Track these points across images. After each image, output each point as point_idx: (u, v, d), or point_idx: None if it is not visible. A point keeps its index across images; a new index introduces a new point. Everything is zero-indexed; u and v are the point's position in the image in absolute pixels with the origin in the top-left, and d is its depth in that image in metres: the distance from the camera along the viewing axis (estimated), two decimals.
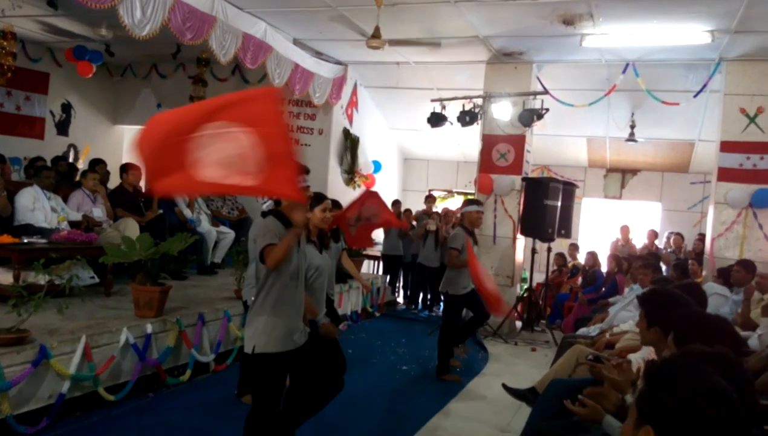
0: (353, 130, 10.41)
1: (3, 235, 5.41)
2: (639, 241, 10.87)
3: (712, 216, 7.94)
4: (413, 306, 10.09)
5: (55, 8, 7.32)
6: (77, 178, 7.87)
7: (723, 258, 7.58)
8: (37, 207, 6.18)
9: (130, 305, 5.19)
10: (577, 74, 8.86)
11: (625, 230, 10.85)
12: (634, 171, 11.96)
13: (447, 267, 6.29)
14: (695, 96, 8.21)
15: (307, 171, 3.30)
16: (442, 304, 7.30)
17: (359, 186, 10.68)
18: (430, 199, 10.46)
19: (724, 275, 6.55)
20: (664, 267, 8.32)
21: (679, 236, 10.44)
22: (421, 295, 10.23)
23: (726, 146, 7.80)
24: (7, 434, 3.76)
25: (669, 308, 2.84)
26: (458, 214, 7.10)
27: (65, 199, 6.70)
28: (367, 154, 10.94)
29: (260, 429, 3.14)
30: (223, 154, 2.64)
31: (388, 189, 11.87)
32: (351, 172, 10.41)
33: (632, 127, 9.70)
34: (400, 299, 10.51)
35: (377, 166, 11.19)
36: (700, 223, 10.88)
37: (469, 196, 9.94)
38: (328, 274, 4.11)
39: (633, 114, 9.62)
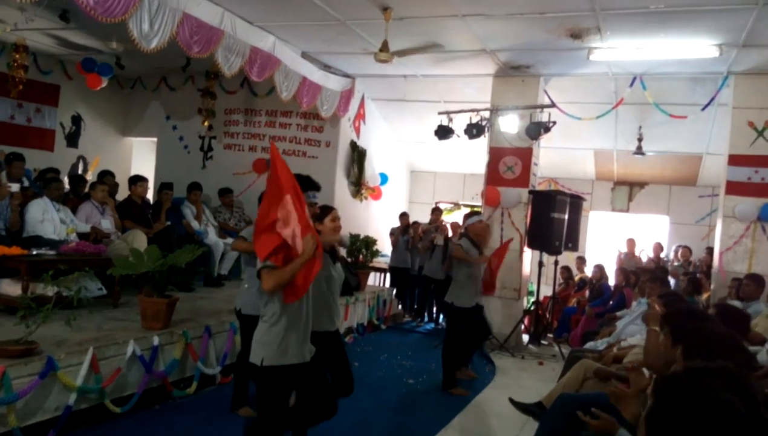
0: (360, 143, 10.44)
1: (12, 246, 5.45)
2: (646, 254, 10.83)
3: (721, 230, 7.90)
4: (419, 319, 10.07)
5: (67, 21, 7.41)
6: (86, 189, 7.93)
7: (732, 272, 7.54)
8: (46, 219, 6.22)
9: (137, 317, 5.20)
10: (585, 87, 8.87)
11: (631, 243, 10.82)
12: (641, 184, 11.92)
13: (453, 280, 6.28)
14: (703, 109, 8.20)
15: (318, 188, 3.34)
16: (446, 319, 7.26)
17: (366, 198, 10.71)
18: (436, 211, 10.46)
19: (738, 287, 6.54)
20: (672, 281, 8.29)
21: (687, 248, 10.39)
22: (427, 307, 10.21)
23: (734, 160, 7.78)
24: None
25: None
26: (461, 229, 7.08)
27: (74, 211, 6.75)
28: (374, 167, 10.97)
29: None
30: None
31: (395, 201, 11.89)
32: (358, 185, 10.43)
33: (640, 140, 9.68)
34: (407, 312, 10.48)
35: (384, 178, 11.21)
36: (709, 236, 10.82)
37: (475, 209, 9.93)
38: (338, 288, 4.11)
39: (640, 127, 9.60)
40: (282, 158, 3.28)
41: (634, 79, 8.16)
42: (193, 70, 9.80)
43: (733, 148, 7.81)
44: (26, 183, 7.14)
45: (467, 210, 10.50)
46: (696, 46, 6.96)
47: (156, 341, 4.85)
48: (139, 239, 6.58)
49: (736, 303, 6.18)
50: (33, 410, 3.88)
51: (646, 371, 3.83)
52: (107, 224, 6.90)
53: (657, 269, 8.18)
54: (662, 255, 10.74)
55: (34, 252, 5.54)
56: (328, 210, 3.88)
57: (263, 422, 3.13)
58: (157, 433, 4.41)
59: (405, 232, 10.17)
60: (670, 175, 11.42)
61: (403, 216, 10.53)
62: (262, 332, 3.14)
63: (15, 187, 5.96)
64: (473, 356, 6.79)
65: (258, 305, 3.33)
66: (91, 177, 9.27)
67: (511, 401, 5.44)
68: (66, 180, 8.30)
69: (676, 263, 10.33)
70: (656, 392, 1.66)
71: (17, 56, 8.50)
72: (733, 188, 7.77)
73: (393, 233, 10.28)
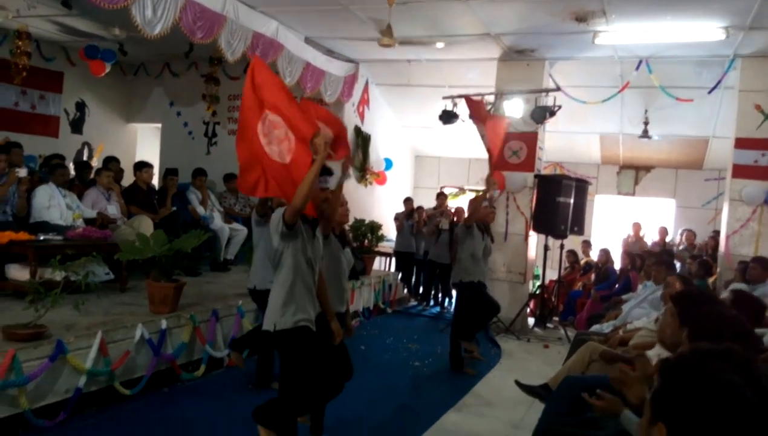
0: (364, 128, 10.41)
1: (20, 232, 5.48)
2: (651, 238, 10.82)
3: (727, 213, 7.88)
4: (425, 303, 10.10)
5: (69, 8, 7.37)
6: (92, 176, 7.95)
7: (738, 255, 7.52)
8: (52, 204, 6.24)
9: (144, 301, 5.24)
10: (590, 71, 8.81)
11: (636, 226, 10.82)
12: (647, 168, 11.88)
13: (456, 259, 6.31)
14: (709, 92, 8.15)
15: (330, 172, 3.40)
16: (454, 300, 7.30)
17: (371, 183, 10.70)
18: (441, 196, 10.45)
19: (744, 270, 6.54)
20: (678, 264, 8.28)
21: (691, 232, 10.36)
22: (432, 291, 10.25)
23: (741, 143, 7.74)
24: (26, 428, 3.82)
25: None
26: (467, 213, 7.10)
27: (80, 197, 6.77)
28: (378, 152, 10.95)
29: (287, 408, 3.16)
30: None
31: (399, 186, 11.88)
32: (362, 170, 10.42)
33: (646, 123, 9.63)
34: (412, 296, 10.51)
35: (389, 163, 11.20)
36: (715, 220, 10.79)
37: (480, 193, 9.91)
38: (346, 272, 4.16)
39: (646, 110, 9.55)
40: (270, 71, 3.28)
41: (640, 62, 8.10)
42: (196, 56, 9.76)
43: (739, 131, 7.77)
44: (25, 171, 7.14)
45: (472, 195, 10.49)
46: (702, 29, 6.90)
47: (164, 324, 4.88)
48: (146, 225, 6.60)
49: (742, 286, 6.18)
50: (43, 393, 3.93)
51: (651, 357, 3.85)
52: (113, 209, 6.91)
53: (663, 253, 8.16)
54: (668, 239, 10.72)
55: (42, 237, 5.56)
56: None
57: (291, 391, 3.16)
58: (166, 415, 4.45)
59: (409, 217, 10.18)
60: (677, 159, 11.37)
61: (407, 201, 10.53)
62: (273, 302, 3.24)
63: (23, 172, 5.96)
64: (479, 335, 6.81)
65: (272, 279, 3.40)
66: (96, 163, 9.29)
67: (517, 383, 5.46)
68: (71, 166, 8.32)
69: (681, 247, 10.31)
70: (662, 373, 1.66)
71: (20, 43, 8.46)
72: (740, 171, 7.73)
73: (397, 217, 10.30)
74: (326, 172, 3.43)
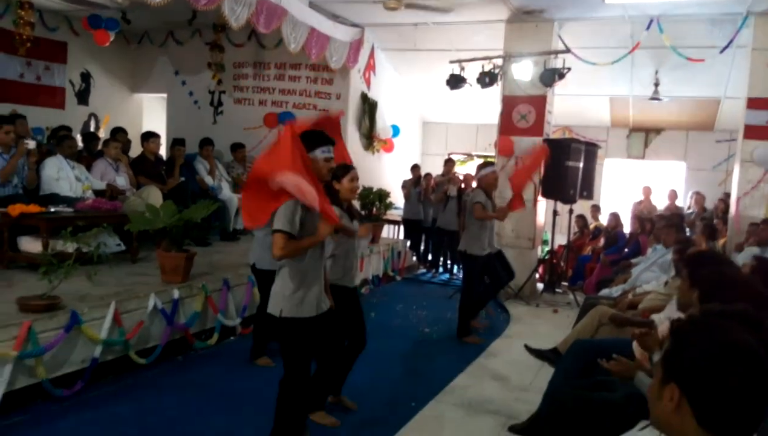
0: (371, 95, 10.32)
1: (30, 204, 5.51)
2: (661, 202, 10.76)
3: (738, 175, 7.80)
4: (434, 270, 10.14)
5: None
6: (99, 147, 7.95)
7: (749, 217, 7.46)
8: (61, 176, 6.27)
9: (156, 272, 5.28)
10: (600, 32, 8.64)
11: (647, 190, 10.74)
12: (657, 130, 11.73)
13: (465, 229, 6.29)
14: (721, 52, 7.97)
15: (332, 142, 3.31)
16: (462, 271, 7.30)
17: (378, 151, 10.65)
18: (449, 163, 10.40)
19: (755, 232, 6.51)
20: (688, 230, 8.23)
21: (701, 195, 10.28)
22: (441, 258, 10.28)
23: (753, 103, 7.61)
24: (44, 397, 3.90)
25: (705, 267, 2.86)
26: (475, 180, 7.07)
27: (88, 169, 6.79)
28: (385, 119, 10.86)
29: (293, 393, 3.19)
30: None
31: (407, 153, 11.82)
32: (369, 137, 10.36)
33: (656, 85, 9.49)
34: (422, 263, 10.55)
35: (396, 130, 11.12)
36: (725, 182, 10.70)
37: (489, 160, 9.86)
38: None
39: (657, 72, 9.39)
40: (295, 139, 3.14)
41: (651, 21, 7.92)
42: (200, 23, 9.67)
43: (752, 91, 7.63)
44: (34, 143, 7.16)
45: (480, 160, 10.43)
46: None
47: (176, 294, 4.93)
48: (155, 195, 6.62)
49: (754, 249, 6.16)
50: (60, 363, 4.01)
51: (661, 320, 3.85)
52: (122, 180, 6.94)
53: (672, 216, 8.12)
54: (677, 203, 10.66)
55: (52, 209, 5.60)
56: (346, 170, 3.84)
57: (291, 373, 3.19)
58: (181, 382, 4.54)
59: (416, 184, 10.16)
60: (687, 121, 11.22)
61: (415, 168, 10.50)
62: (281, 285, 3.19)
63: (32, 144, 5.96)
64: (488, 303, 6.83)
65: (272, 259, 3.36)
66: (103, 134, 9.27)
67: (527, 347, 5.51)
68: (79, 138, 8.31)
69: (689, 211, 10.24)
70: (674, 333, 1.66)
71: (23, 13, 8.38)
72: (752, 132, 7.62)
73: (405, 185, 10.28)
74: (329, 141, 3.33)
